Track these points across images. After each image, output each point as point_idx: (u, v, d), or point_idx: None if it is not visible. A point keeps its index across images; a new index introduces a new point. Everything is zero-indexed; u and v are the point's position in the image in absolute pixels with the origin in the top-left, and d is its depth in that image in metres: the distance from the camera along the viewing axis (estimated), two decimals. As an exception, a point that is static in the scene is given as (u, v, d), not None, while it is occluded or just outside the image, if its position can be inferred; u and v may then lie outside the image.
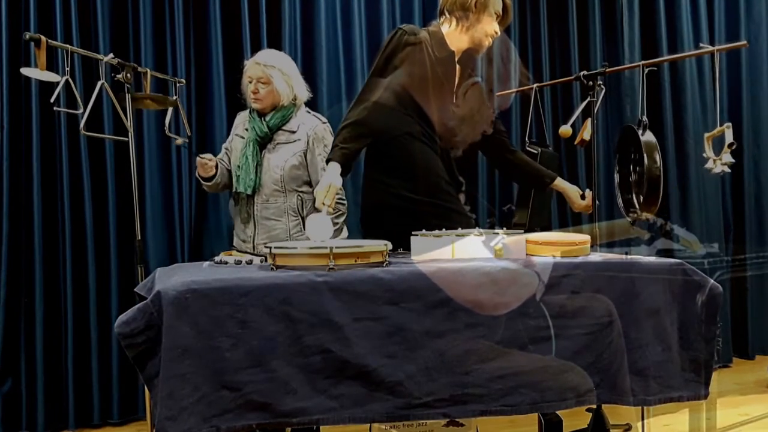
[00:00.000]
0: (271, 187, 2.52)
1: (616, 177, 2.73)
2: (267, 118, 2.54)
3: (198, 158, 2.56)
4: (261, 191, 2.54)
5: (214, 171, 2.58)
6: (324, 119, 2.62)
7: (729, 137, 2.38)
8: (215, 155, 2.65)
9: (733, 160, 2.42)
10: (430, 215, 2.38)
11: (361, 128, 2.24)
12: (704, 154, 2.46)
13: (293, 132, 2.55)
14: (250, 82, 2.54)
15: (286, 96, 2.54)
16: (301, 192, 2.55)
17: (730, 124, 2.40)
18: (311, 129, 2.55)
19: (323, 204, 2.05)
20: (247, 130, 2.59)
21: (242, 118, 2.67)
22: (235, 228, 2.66)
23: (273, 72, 2.51)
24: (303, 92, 2.61)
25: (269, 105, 2.55)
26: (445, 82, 2.40)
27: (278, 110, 2.55)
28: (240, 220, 2.61)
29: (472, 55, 2.46)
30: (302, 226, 2.53)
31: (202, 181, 2.64)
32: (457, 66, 2.44)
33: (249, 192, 2.51)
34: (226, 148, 2.70)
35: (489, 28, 2.38)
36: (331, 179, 2.09)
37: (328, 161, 2.19)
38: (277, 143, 2.55)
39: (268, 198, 2.53)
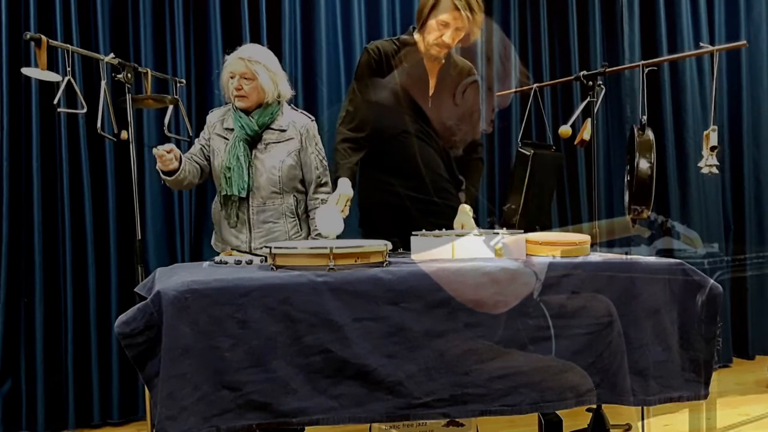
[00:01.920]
0: (269, 189, 2.42)
1: (627, 177, 2.73)
2: (254, 116, 2.42)
3: (154, 150, 2.33)
4: (256, 193, 2.43)
5: (177, 164, 2.37)
6: (311, 116, 2.55)
7: (713, 140, 2.39)
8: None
9: (717, 163, 2.42)
10: (429, 213, 2.39)
11: (357, 143, 2.40)
12: (702, 152, 2.47)
13: (283, 130, 2.45)
14: (233, 78, 2.41)
15: (270, 93, 2.42)
16: (297, 192, 2.49)
17: (715, 127, 2.41)
18: (302, 127, 2.47)
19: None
20: (227, 129, 2.47)
21: (218, 116, 2.53)
22: (222, 233, 2.52)
23: (258, 68, 2.38)
24: (287, 89, 2.50)
25: (254, 102, 2.43)
26: (417, 87, 2.43)
27: (264, 108, 2.43)
28: (228, 225, 2.46)
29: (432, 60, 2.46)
30: (299, 227, 2.49)
31: (163, 176, 2.41)
32: (436, 68, 2.45)
33: (243, 194, 2.40)
34: (203, 146, 2.53)
35: (430, 37, 2.36)
36: (341, 191, 2.23)
37: (337, 178, 2.30)
38: (268, 143, 2.44)
39: (265, 200, 2.43)
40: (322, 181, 2.51)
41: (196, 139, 2.58)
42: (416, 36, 2.44)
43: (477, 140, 2.57)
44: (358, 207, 2.55)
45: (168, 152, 2.33)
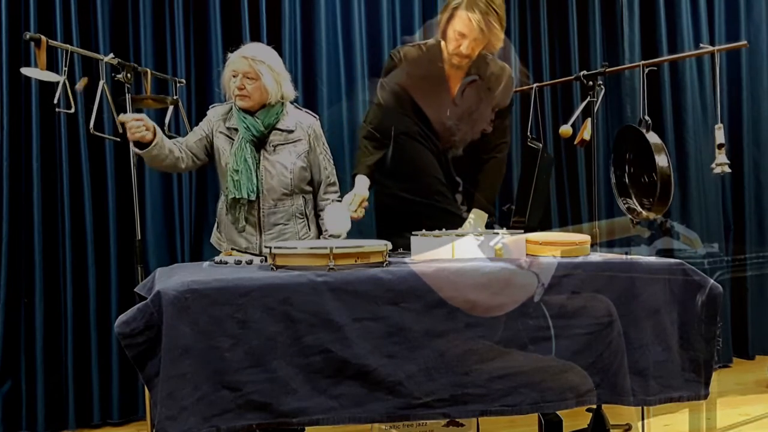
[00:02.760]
0: (280, 191, 2.39)
1: (612, 177, 2.74)
2: (260, 117, 2.37)
3: (120, 117, 2.22)
4: (267, 196, 2.39)
5: (150, 136, 2.24)
6: (315, 114, 2.53)
7: (719, 138, 2.38)
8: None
9: (727, 161, 2.41)
10: (425, 216, 2.39)
11: (378, 141, 2.46)
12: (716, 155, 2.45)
13: (291, 132, 2.42)
14: (235, 77, 2.34)
15: (273, 94, 2.37)
16: (305, 193, 2.47)
17: (720, 125, 2.40)
18: (309, 127, 2.45)
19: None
20: (231, 128, 2.42)
21: (220, 114, 2.47)
22: (230, 234, 2.45)
23: (262, 68, 2.32)
24: (291, 90, 2.46)
25: (256, 103, 2.37)
26: (435, 91, 2.45)
27: (268, 109, 2.39)
28: (237, 229, 2.41)
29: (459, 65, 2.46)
30: (308, 228, 2.48)
31: (134, 148, 2.28)
32: (461, 73, 2.46)
33: (252, 197, 2.35)
34: (206, 135, 2.46)
35: (449, 47, 2.39)
36: (356, 191, 2.30)
37: (354, 175, 2.37)
38: (276, 144, 2.40)
39: (275, 203, 2.40)
40: (331, 181, 2.51)
41: (196, 127, 2.51)
42: (443, 42, 2.45)
43: (501, 140, 2.55)
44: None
45: (137, 120, 2.21)
